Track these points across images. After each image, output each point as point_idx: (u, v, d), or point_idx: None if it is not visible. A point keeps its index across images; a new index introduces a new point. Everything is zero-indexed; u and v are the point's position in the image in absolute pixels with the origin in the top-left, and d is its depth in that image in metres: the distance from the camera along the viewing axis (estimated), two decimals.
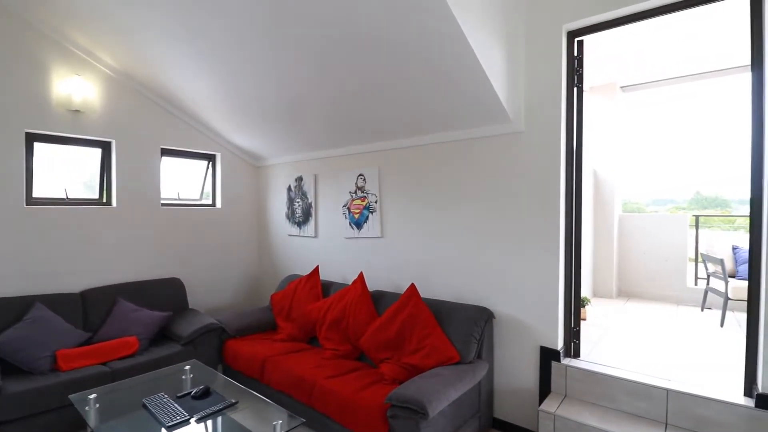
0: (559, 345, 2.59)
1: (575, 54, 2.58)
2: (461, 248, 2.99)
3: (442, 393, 2.13)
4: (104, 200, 3.68)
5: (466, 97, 2.59)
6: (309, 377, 2.67)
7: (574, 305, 2.67)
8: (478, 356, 2.63)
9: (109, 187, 3.67)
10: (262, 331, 3.65)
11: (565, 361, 2.57)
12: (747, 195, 2.07)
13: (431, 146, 3.16)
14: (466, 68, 2.34)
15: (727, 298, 3.67)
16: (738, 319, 3.79)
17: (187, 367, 2.63)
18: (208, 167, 4.49)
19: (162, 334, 3.41)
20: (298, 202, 4.32)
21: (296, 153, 4.26)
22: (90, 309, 3.29)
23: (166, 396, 2.23)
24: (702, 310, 4.19)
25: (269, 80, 3.08)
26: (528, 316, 2.68)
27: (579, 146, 2.64)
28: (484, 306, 2.81)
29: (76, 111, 3.40)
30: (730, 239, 4.56)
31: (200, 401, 2.21)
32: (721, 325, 3.59)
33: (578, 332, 2.68)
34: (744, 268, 4.08)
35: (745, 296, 3.63)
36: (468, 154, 2.94)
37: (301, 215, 4.28)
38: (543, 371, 2.60)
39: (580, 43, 2.60)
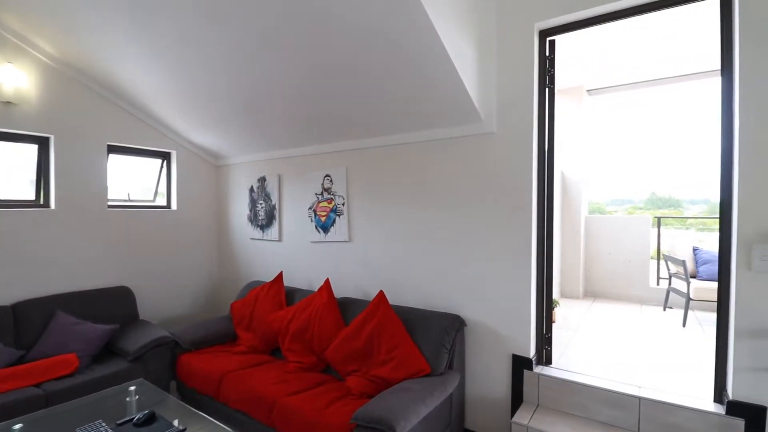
0: (531, 352, 2.52)
1: (547, 54, 2.52)
2: (431, 252, 2.88)
3: (412, 411, 2.00)
4: (41, 202, 3.32)
5: (437, 95, 2.47)
6: (269, 394, 2.48)
7: (546, 311, 2.61)
8: (449, 366, 2.52)
9: (47, 187, 3.32)
10: (221, 342, 3.40)
11: (537, 369, 2.51)
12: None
13: (401, 146, 3.02)
14: (437, 65, 2.22)
15: (689, 299, 3.74)
16: (698, 319, 3.88)
17: (132, 388, 2.35)
18: (162, 166, 4.17)
19: (108, 350, 3.11)
20: (261, 203, 4.08)
21: (259, 152, 4.02)
22: (23, 323, 2.96)
23: (104, 424, 1.99)
24: (664, 309, 4.28)
25: (228, 74, 2.85)
26: (500, 322, 2.59)
27: (551, 147, 2.57)
28: (456, 313, 2.71)
29: (8, 103, 3.05)
30: (686, 238, 4.70)
31: (143, 429, 1.97)
32: (684, 325, 3.66)
33: (550, 338, 2.62)
34: (704, 269, 4.20)
35: (705, 296, 3.75)
36: (438, 154, 2.83)
37: (265, 218, 4.05)
38: (515, 380, 2.52)
39: (552, 42, 2.53)
